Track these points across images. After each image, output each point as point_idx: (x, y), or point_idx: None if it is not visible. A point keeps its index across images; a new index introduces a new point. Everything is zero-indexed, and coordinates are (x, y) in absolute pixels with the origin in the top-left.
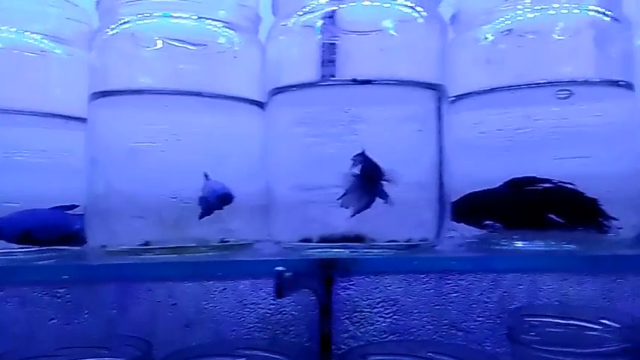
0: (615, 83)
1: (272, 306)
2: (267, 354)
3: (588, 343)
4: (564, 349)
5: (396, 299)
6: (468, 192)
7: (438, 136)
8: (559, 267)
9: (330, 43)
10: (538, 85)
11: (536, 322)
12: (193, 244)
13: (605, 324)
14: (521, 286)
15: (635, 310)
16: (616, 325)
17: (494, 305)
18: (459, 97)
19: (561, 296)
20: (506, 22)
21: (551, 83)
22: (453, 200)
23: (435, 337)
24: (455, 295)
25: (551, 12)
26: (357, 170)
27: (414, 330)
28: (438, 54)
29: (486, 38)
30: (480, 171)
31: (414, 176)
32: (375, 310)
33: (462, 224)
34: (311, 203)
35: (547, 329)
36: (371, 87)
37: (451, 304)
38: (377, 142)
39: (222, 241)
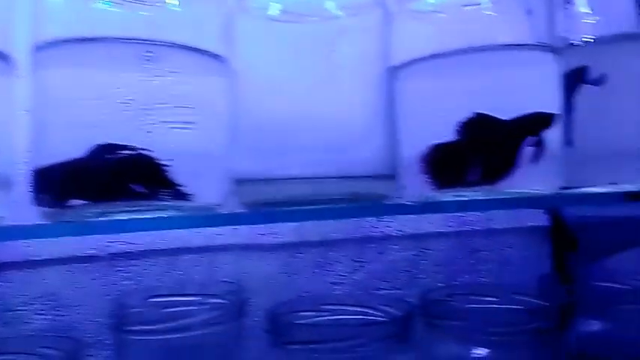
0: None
1: None
2: None
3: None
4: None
5: (57, 293)
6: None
7: None
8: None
9: None
10: (122, 40)
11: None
12: None
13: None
14: (198, 267)
15: (312, 281)
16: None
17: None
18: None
19: (241, 274)
20: None
21: (137, 41)
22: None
23: (102, 331)
24: (127, 282)
25: None
26: None
27: (77, 325)
28: None
29: None
30: (67, 138)
31: None
32: (33, 306)
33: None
34: None
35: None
36: None
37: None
38: None
39: None
